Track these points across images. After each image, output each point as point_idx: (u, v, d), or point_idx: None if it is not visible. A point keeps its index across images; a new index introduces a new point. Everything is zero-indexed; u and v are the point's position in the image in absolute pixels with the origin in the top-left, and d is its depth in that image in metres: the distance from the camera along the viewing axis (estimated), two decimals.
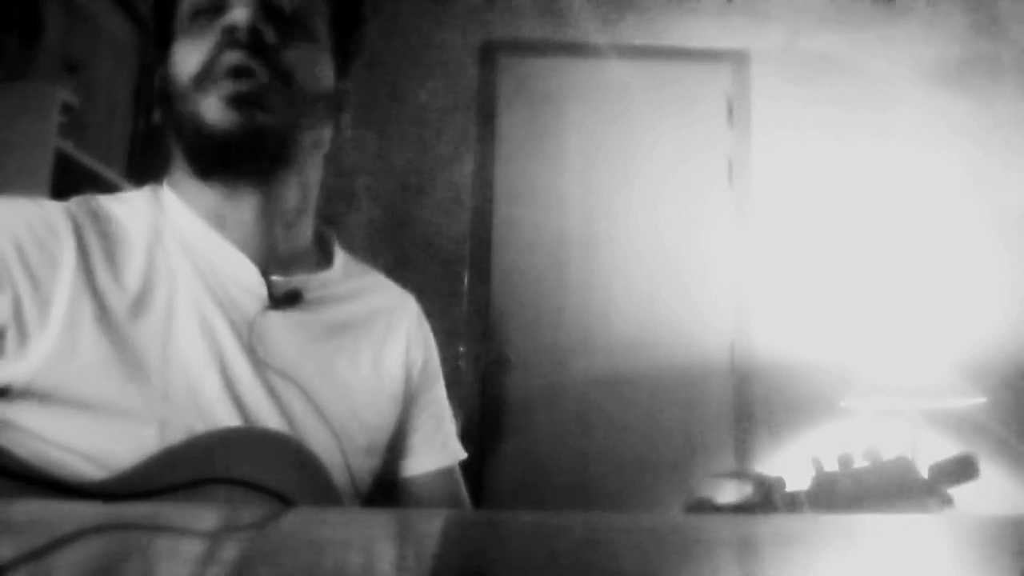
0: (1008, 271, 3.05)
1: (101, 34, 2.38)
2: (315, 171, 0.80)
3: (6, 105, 1.94)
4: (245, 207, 0.74)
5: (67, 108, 2.02)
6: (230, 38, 0.68)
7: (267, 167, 0.73)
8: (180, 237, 0.73)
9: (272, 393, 0.70)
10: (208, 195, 0.74)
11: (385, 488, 0.81)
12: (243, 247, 0.74)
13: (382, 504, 0.81)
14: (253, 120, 0.68)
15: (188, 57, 0.70)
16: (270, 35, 0.70)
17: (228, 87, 0.68)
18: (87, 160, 2.11)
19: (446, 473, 0.84)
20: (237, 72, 0.68)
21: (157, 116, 0.76)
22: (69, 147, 2.03)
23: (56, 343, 0.62)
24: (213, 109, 0.68)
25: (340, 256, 0.83)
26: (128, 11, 2.47)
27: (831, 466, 0.70)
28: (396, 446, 0.82)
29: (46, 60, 2.12)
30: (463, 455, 0.86)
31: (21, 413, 0.63)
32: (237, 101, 0.68)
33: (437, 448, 0.84)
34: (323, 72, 0.76)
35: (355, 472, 0.74)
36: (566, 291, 3.09)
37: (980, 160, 3.14)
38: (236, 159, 0.70)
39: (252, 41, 0.69)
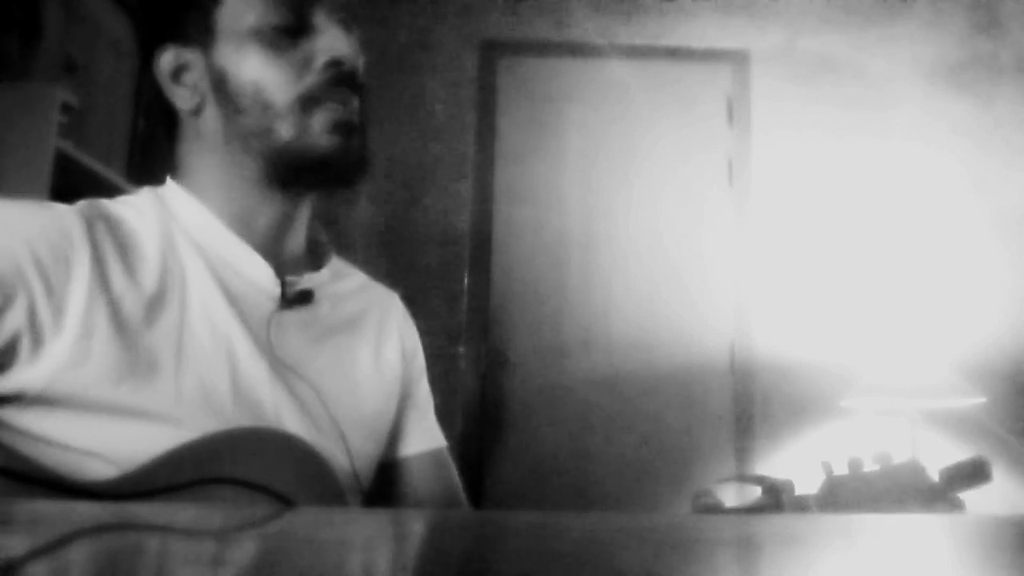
0: (1008, 271, 3.05)
1: (101, 34, 2.38)
2: None
3: (6, 105, 1.94)
4: (276, 212, 0.77)
5: (67, 108, 2.02)
6: (337, 72, 0.74)
7: (346, 185, 0.78)
8: (193, 237, 0.73)
9: (290, 391, 0.72)
10: (241, 198, 0.75)
11: (378, 471, 0.83)
12: (260, 248, 0.75)
13: (380, 488, 0.83)
14: (351, 144, 0.75)
15: (276, 74, 0.73)
16: (361, 71, 0.76)
17: (334, 113, 0.74)
18: (87, 160, 2.11)
19: (435, 454, 0.88)
20: (343, 101, 0.74)
21: (189, 102, 0.75)
22: (69, 147, 2.03)
23: (71, 348, 0.62)
24: (318, 133, 0.73)
25: (332, 256, 0.85)
26: (128, 11, 2.47)
27: (840, 470, 0.70)
28: (391, 433, 0.85)
29: (46, 60, 2.12)
30: (445, 442, 0.91)
31: (36, 419, 0.63)
32: (340, 126, 0.74)
33: (425, 431, 0.88)
34: None
35: (359, 465, 0.76)
36: (566, 291, 3.09)
37: (980, 160, 3.14)
38: (328, 177, 0.76)
39: (354, 76, 0.75)
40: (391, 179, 3.15)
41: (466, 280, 3.07)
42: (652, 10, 3.26)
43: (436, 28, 3.26)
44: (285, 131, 0.72)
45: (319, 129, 0.73)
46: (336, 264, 0.86)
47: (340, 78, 0.74)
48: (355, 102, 0.75)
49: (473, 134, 3.18)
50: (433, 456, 0.87)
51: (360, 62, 0.76)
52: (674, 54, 3.24)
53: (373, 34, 3.20)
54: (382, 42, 3.22)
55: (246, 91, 0.73)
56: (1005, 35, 3.24)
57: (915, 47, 3.22)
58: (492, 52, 3.25)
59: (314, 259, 0.84)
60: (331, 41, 0.74)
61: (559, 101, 3.23)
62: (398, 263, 3.03)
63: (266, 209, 0.76)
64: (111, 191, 2.05)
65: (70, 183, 1.97)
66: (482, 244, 3.10)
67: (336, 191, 0.80)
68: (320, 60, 0.73)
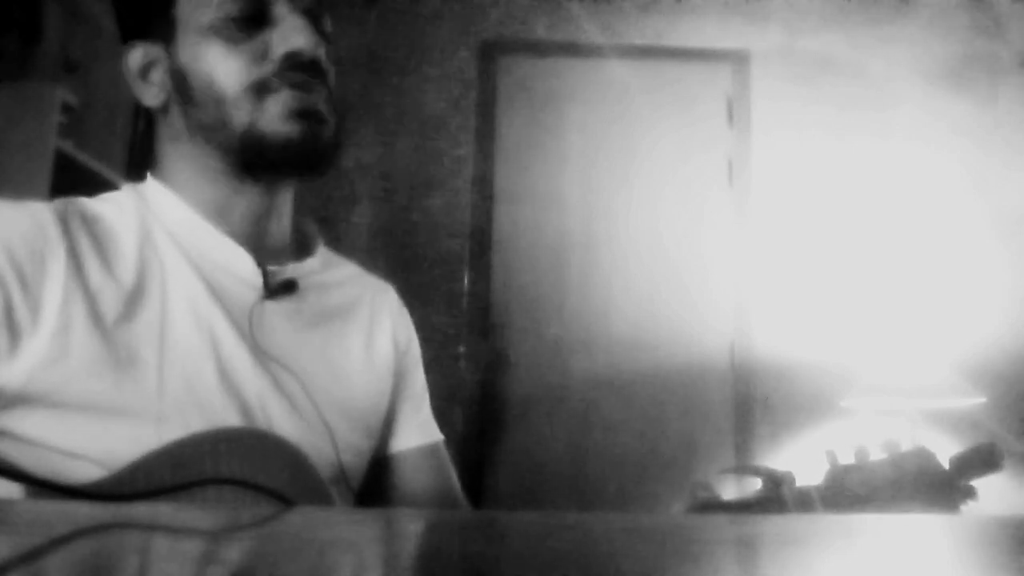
0: (1008, 271, 3.05)
1: (101, 34, 2.38)
2: None
3: (6, 105, 1.94)
4: (253, 202, 0.76)
5: (67, 108, 2.02)
6: (293, 63, 0.72)
7: (317, 172, 0.76)
8: (172, 231, 0.73)
9: (274, 382, 0.71)
10: (215, 189, 0.75)
11: (372, 467, 0.82)
12: (240, 239, 0.75)
13: (372, 484, 0.82)
14: (315, 130, 0.73)
15: (230, 65, 0.72)
16: (326, 62, 0.75)
17: (292, 100, 0.72)
18: (87, 160, 2.11)
19: (431, 450, 0.86)
20: (302, 87, 0.72)
21: (156, 99, 0.75)
22: (69, 147, 2.03)
23: (49, 344, 0.62)
24: (275, 119, 0.71)
25: (320, 246, 0.84)
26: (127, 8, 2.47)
27: (846, 459, 0.67)
28: (384, 427, 0.83)
29: (46, 60, 2.12)
30: (441, 437, 0.88)
31: (18, 421, 0.62)
32: (300, 114, 0.72)
33: (418, 426, 0.86)
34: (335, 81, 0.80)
35: (347, 460, 0.75)
36: (566, 291, 3.09)
37: (980, 160, 3.14)
38: (294, 165, 0.74)
39: (313, 67, 0.73)
40: (391, 179, 3.15)
41: (466, 280, 3.07)
42: (652, 10, 3.26)
43: (436, 28, 3.26)
44: (238, 120, 0.71)
45: (276, 116, 0.71)
46: (326, 254, 0.85)
47: (295, 67, 0.72)
48: (320, 90, 0.73)
49: (473, 134, 3.18)
50: (428, 451, 0.85)
51: (321, 51, 0.74)
52: (674, 54, 3.24)
53: (373, 34, 3.20)
54: (382, 42, 3.22)
55: (201, 85, 0.72)
56: (1005, 35, 3.24)
57: (915, 47, 3.22)
58: (492, 52, 3.25)
59: (302, 250, 0.83)
60: (288, 32, 0.72)
61: (559, 101, 3.23)
62: (398, 263, 3.03)
63: (241, 200, 0.75)
64: (111, 191, 2.05)
65: (70, 183, 1.97)
66: (482, 244, 3.10)
67: (303, 179, 0.78)
68: (276, 52, 0.72)
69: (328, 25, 0.78)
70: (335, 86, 0.78)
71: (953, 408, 2.73)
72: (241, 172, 0.74)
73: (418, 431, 0.85)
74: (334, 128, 0.75)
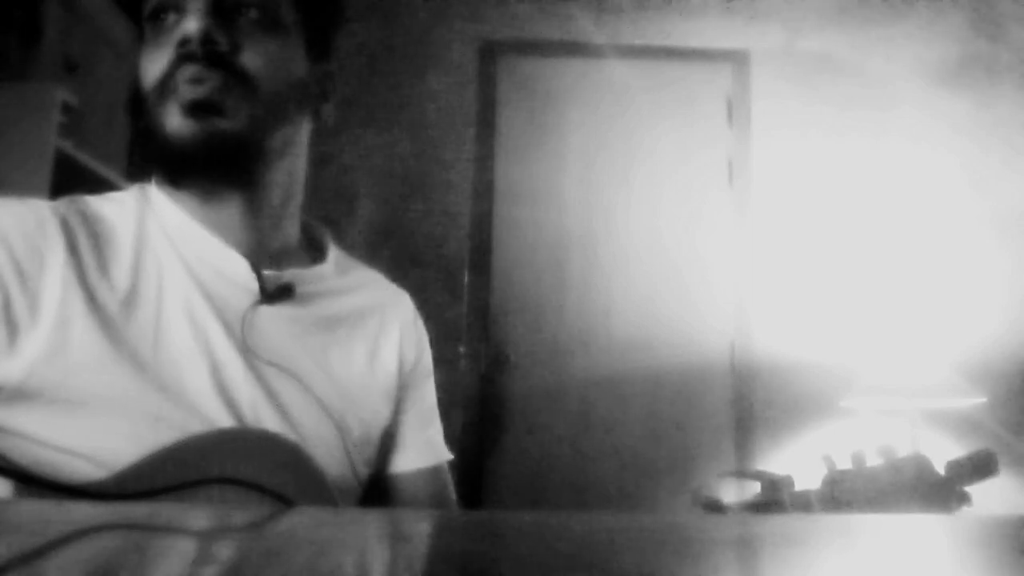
0: (1008, 271, 3.05)
1: (101, 34, 2.38)
2: (298, 164, 0.79)
3: (6, 105, 1.94)
4: (228, 208, 0.74)
5: (67, 108, 2.02)
6: (185, 51, 0.68)
7: (233, 172, 0.72)
8: (169, 234, 0.72)
9: (265, 386, 0.70)
10: (187, 197, 0.73)
11: (372, 484, 0.80)
12: (232, 243, 0.74)
13: (373, 501, 0.80)
14: (212, 126, 0.68)
15: (149, 65, 0.70)
16: (223, 42, 0.69)
17: (185, 95, 0.68)
18: (87, 160, 2.11)
19: (432, 472, 0.83)
20: (194, 80, 0.68)
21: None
22: (69, 147, 2.03)
23: (48, 340, 0.62)
24: (172, 118, 0.68)
25: (333, 252, 0.83)
26: (128, 11, 2.47)
27: (843, 464, 0.69)
28: (385, 442, 0.81)
29: (46, 60, 2.12)
30: (448, 456, 0.86)
31: (16, 417, 0.62)
32: (194, 108, 0.68)
33: (422, 445, 0.83)
34: (290, 64, 0.74)
35: (355, 462, 0.74)
36: (566, 291, 3.09)
37: (980, 160, 3.14)
38: (198, 166, 0.69)
39: (206, 52, 0.68)
40: (391, 179, 3.15)
41: (466, 280, 3.07)
42: (652, 10, 3.26)
43: (436, 28, 3.26)
44: (151, 124, 0.70)
45: (174, 115, 0.68)
46: (341, 259, 0.83)
47: (186, 56, 0.68)
48: (215, 79, 0.68)
49: (473, 134, 3.18)
50: (429, 474, 0.83)
51: (219, 35, 0.68)
52: (674, 54, 3.24)
53: (373, 33, 3.20)
54: (382, 42, 3.22)
55: (141, 92, 0.72)
56: (1005, 35, 3.24)
57: (915, 47, 3.22)
58: (492, 52, 3.25)
59: (313, 253, 0.82)
60: (186, 23, 0.68)
61: (559, 101, 3.23)
62: (398, 263, 3.03)
63: (221, 203, 0.73)
64: (110, 191, 2.05)
65: (70, 183, 1.97)
66: (482, 244, 3.10)
67: (227, 183, 0.72)
68: (173, 44, 0.69)
69: (255, 12, 0.71)
70: (272, 67, 0.72)
71: (953, 408, 2.73)
72: (164, 178, 0.72)
73: (421, 451, 0.83)
74: (248, 119, 0.70)
